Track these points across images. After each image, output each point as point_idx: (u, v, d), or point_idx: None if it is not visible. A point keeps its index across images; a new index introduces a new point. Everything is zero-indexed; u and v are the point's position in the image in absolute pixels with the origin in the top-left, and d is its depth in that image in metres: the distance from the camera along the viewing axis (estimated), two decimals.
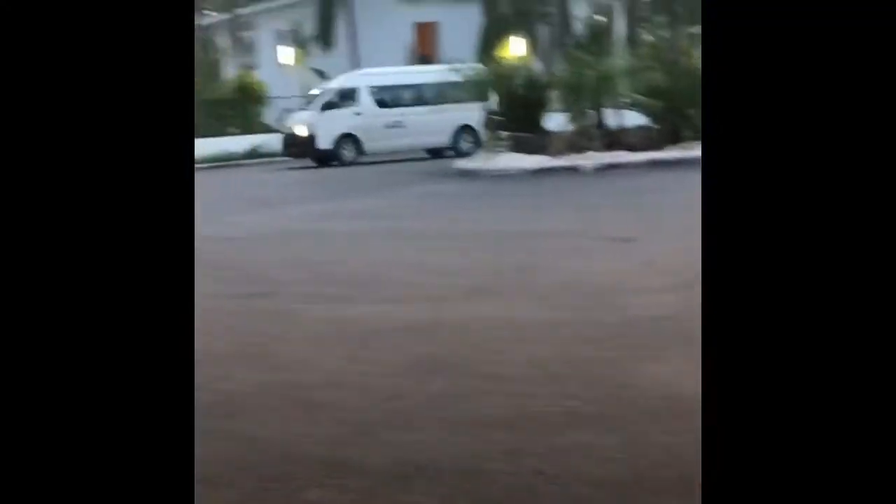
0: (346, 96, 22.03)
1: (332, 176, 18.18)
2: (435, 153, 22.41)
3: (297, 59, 26.36)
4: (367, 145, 21.54)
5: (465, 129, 22.27)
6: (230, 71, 32.34)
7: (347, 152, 21.44)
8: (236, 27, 33.08)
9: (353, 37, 29.27)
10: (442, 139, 22.32)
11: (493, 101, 18.79)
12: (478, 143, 22.02)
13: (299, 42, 28.68)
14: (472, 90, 21.75)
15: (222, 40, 37.70)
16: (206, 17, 38.96)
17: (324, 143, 21.23)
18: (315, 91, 23.86)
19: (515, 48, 24.64)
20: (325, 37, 30.12)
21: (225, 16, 35.47)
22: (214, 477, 2.76)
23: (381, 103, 22.08)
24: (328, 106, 21.72)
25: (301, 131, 21.58)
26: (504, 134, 17.16)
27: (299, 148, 21.73)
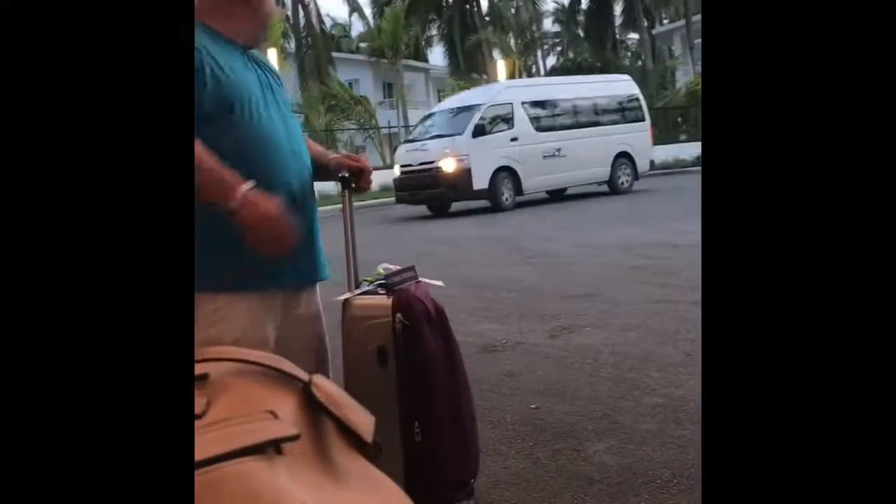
0: (498, 116, 15.94)
1: None
2: (555, 194, 17.34)
3: None
4: (525, 182, 15.92)
5: (623, 157, 17.10)
6: (684, 78, 32.33)
7: (506, 192, 15.67)
8: (691, 34, 32.98)
9: None
10: (602, 172, 17.07)
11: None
12: (635, 177, 17.30)
13: None
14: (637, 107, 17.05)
15: (676, 48, 37.92)
16: (660, 27, 39.42)
17: (479, 181, 15.18)
18: (440, 109, 17.62)
19: None
20: None
21: (679, 23, 35.58)
22: (656, 479, 3.04)
23: (538, 126, 16.39)
24: (479, 130, 15.45)
25: (448, 166, 15.02)
26: None
27: (445, 189, 15.21)
